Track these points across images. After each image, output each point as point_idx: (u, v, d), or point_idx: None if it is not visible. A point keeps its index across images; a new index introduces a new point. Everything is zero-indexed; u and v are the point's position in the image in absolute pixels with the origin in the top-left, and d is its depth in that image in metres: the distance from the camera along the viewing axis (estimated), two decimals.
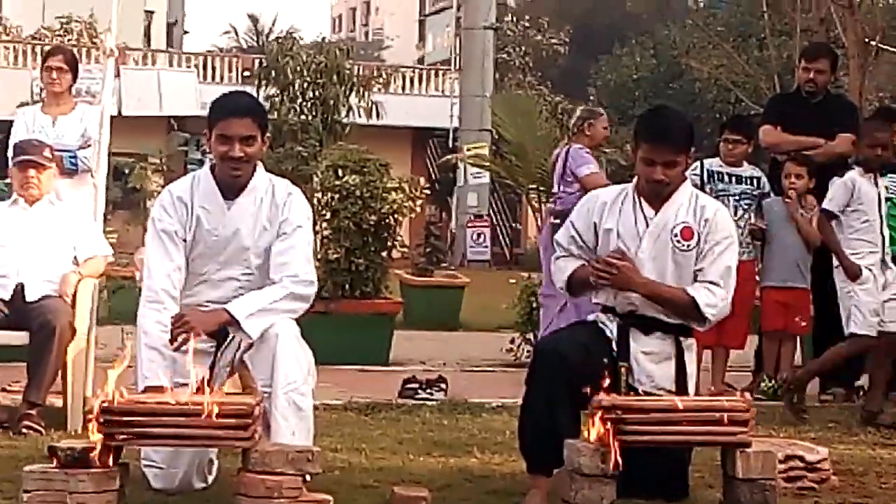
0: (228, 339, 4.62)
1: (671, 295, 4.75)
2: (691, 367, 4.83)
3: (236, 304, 4.58)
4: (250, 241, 4.71)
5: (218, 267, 4.75)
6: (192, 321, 4.47)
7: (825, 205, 7.22)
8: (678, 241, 4.78)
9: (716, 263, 4.79)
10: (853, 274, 7.02)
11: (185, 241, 4.71)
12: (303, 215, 4.76)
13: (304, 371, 4.56)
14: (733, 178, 7.98)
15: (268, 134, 4.77)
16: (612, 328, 4.80)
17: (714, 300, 4.76)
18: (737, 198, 7.91)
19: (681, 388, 4.75)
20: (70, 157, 7.51)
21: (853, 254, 7.02)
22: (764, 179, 8.02)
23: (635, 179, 4.91)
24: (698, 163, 8.15)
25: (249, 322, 4.53)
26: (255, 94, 5.32)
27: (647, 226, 4.80)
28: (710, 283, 4.77)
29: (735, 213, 7.79)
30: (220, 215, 4.71)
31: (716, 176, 7.97)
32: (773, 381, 7.93)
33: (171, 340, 4.45)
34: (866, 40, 20.16)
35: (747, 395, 4.72)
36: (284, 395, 4.47)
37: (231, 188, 4.71)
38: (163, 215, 4.73)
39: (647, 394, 4.61)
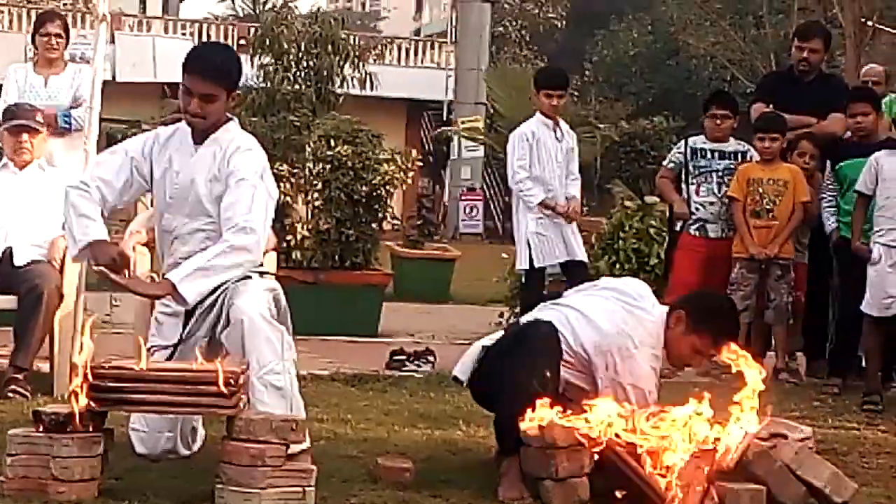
0: (198, 313, 4.62)
1: None
2: None
3: (175, 269, 4.53)
4: (205, 191, 4.70)
5: (185, 220, 4.75)
6: (133, 285, 4.58)
7: (857, 186, 7.19)
8: None
9: None
10: (862, 256, 7.01)
11: (144, 179, 4.78)
12: (249, 169, 4.66)
13: (278, 350, 4.46)
14: (716, 154, 7.89)
15: (237, 91, 4.78)
16: None
17: None
18: (720, 174, 7.83)
19: None
20: (64, 115, 7.51)
21: (877, 231, 7.01)
22: (752, 153, 7.86)
23: None
24: (683, 141, 8.12)
25: (184, 285, 4.43)
26: (231, 49, 5.30)
27: None
28: None
29: (718, 190, 7.76)
30: (187, 158, 4.75)
31: (699, 153, 7.88)
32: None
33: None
34: (863, 20, 20.18)
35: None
36: (259, 381, 4.39)
37: (199, 135, 4.76)
38: (136, 143, 4.87)
39: None
